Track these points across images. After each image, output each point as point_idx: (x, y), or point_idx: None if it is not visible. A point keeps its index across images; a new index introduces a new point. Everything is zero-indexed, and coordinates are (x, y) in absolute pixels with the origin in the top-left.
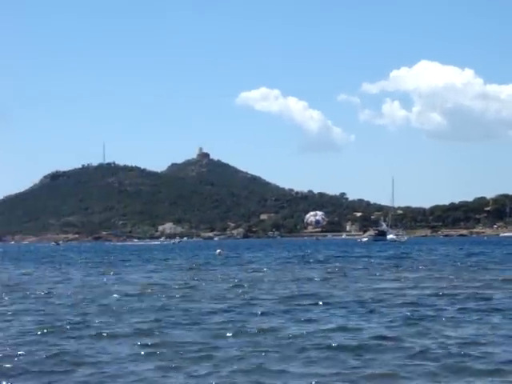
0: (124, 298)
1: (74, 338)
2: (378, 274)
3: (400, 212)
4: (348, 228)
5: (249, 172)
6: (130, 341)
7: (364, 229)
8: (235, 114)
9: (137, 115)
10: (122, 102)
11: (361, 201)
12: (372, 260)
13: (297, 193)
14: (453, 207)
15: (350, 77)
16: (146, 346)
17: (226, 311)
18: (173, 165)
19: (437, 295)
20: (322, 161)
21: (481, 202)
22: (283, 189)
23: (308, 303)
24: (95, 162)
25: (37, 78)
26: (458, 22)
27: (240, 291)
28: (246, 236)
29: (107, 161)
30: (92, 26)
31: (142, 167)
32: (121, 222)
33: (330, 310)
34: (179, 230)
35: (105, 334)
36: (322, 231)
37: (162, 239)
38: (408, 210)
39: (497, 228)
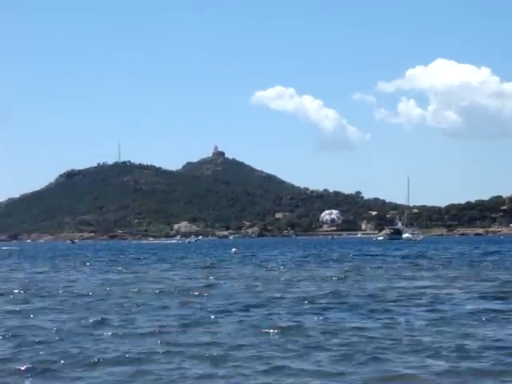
0: (139, 296)
1: (92, 335)
2: (394, 273)
3: (415, 211)
4: (363, 227)
5: (264, 171)
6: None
7: (379, 227)
8: (250, 113)
9: (152, 114)
10: (137, 101)
11: (376, 199)
12: (389, 259)
13: (312, 191)
14: (469, 206)
15: (366, 75)
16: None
17: (242, 310)
18: (188, 163)
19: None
20: (338, 159)
21: (497, 201)
22: (298, 187)
23: (326, 302)
24: (111, 161)
25: (53, 76)
26: (474, 21)
27: (256, 290)
28: (261, 235)
29: (123, 159)
30: (108, 24)
31: (158, 166)
32: (136, 221)
33: (349, 309)
34: (194, 228)
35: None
36: (337, 230)
37: (177, 238)
38: (423, 208)
39: None
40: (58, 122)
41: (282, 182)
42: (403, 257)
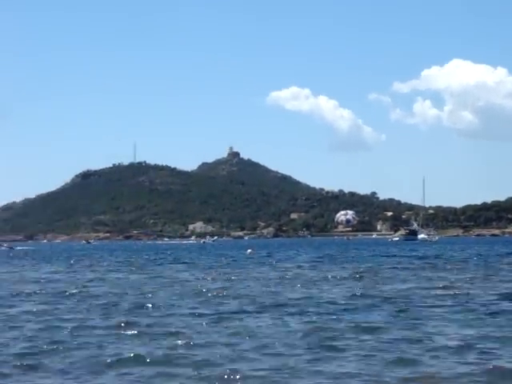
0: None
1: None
2: (410, 274)
3: (431, 211)
4: (379, 227)
5: (279, 171)
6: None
7: (395, 228)
8: (266, 114)
9: (167, 114)
10: (152, 101)
11: (392, 200)
12: (405, 259)
13: (327, 192)
14: (485, 207)
15: (381, 76)
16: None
17: (257, 312)
18: (203, 164)
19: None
20: (353, 160)
21: None
22: (314, 188)
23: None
24: (126, 162)
25: (69, 76)
26: (490, 21)
27: (273, 290)
28: (276, 235)
29: (138, 160)
30: (124, 21)
31: (173, 166)
32: (151, 221)
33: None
34: (209, 229)
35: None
36: (352, 231)
37: (192, 238)
38: (439, 209)
39: None
40: (75, 123)
41: (298, 183)
42: (420, 257)
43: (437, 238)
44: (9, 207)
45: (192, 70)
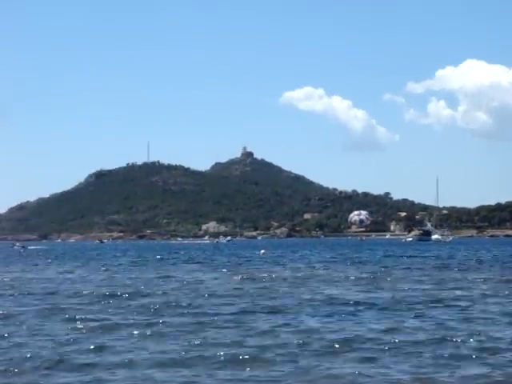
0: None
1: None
2: (423, 275)
3: (445, 212)
4: (392, 228)
5: (292, 171)
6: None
7: (408, 229)
8: (279, 114)
9: (181, 114)
10: (166, 101)
11: (405, 200)
12: (420, 260)
13: (341, 192)
14: (499, 207)
15: (395, 76)
16: None
17: (271, 313)
18: (217, 164)
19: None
20: (367, 160)
21: None
22: (327, 188)
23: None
24: (140, 161)
25: (81, 76)
26: (504, 21)
27: (290, 290)
28: (289, 235)
29: (152, 160)
30: (135, 20)
31: (186, 166)
32: (165, 221)
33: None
34: (223, 228)
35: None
36: (365, 231)
37: (205, 238)
38: (453, 210)
39: None
40: (89, 123)
41: (311, 183)
42: (435, 258)
43: (451, 238)
44: (23, 207)
45: (206, 70)
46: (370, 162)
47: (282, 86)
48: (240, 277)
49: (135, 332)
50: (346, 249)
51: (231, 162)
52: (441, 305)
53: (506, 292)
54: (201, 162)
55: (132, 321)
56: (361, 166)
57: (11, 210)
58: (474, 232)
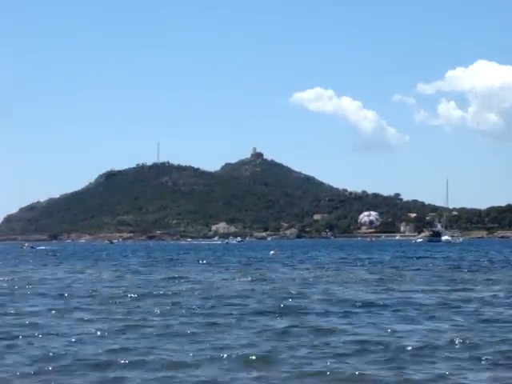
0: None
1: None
2: (434, 276)
3: (455, 213)
4: (402, 229)
5: (302, 172)
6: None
7: (418, 230)
8: (289, 114)
9: (191, 115)
10: (176, 102)
11: (415, 201)
12: (432, 261)
13: (350, 193)
14: (509, 208)
15: (406, 77)
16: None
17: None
18: (227, 164)
19: None
20: (377, 161)
21: None
22: (337, 189)
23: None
24: (150, 162)
25: (92, 76)
26: None
27: (300, 291)
28: (299, 236)
29: (161, 160)
30: (145, 21)
31: (196, 167)
32: (174, 222)
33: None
34: (233, 229)
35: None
36: (375, 232)
37: (215, 239)
38: (463, 211)
39: None
40: (99, 123)
41: (321, 184)
42: (446, 259)
43: (461, 239)
44: (33, 207)
45: (216, 70)
46: (379, 163)
47: (292, 87)
48: (250, 277)
49: (148, 332)
50: (356, 250)
51: (241, 163)
52: (453, 306)
53: None
54: (211, 163)
55: (143, 321)
56: (371, 166)
57: (22, 210)
58: (484, 233)
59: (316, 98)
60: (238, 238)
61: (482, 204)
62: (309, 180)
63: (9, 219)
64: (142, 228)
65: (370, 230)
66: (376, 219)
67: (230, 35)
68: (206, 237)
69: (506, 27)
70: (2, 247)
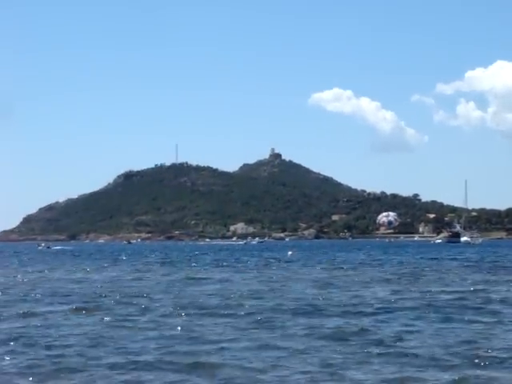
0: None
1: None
2: (456, 276)
3: (474, 214)
4: (421, 230)
5: (321, 173)
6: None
7: (437, 231)
8: (307, 115)
9: (209, 116)
10: (194, 102)
11: (434, 202)
12: (452, 262)
13: (369, 194)
14: None
15: (424, 77)
16: None
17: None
18: (245, 165)
19: None
20: (395, 162)
21: None
22: (355, 190)
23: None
24: (168, 162)
25: (115, 77)
26: None
27: (318, 292)
28: (317, 237)
29: (180, 161)
30: (158, 20)
31: (215, 167)
32: (193, 222)
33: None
34: (251, 230)
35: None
36: (394, 233)
37: (233, 239)
38: (482, 211)
39: None
40: (118, 124)
41: (339, 184)
42: (466, 260)
43: (480, 240)
44: (52, 207)
45: (235, 71)
46: (398, 164)
47: (311, 88)
48: (268, 277)
49: (165, 333)
50: (375, 250)
51: (259, 163)
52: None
53: None
54: (229, 163)
55: (159, 323)
56: (389, 167)
57: (41, 210)
58: (503, 234)
59: (334, 99)
60: (257, 239)
61: (501, 205)
62: (327, 180)
63: (28, 219)
64: (160, 228)
65: (389, 231)
66: (395, 220)
67: (250, 36)
68: (224, 237)
69: None
70: (20, 247)
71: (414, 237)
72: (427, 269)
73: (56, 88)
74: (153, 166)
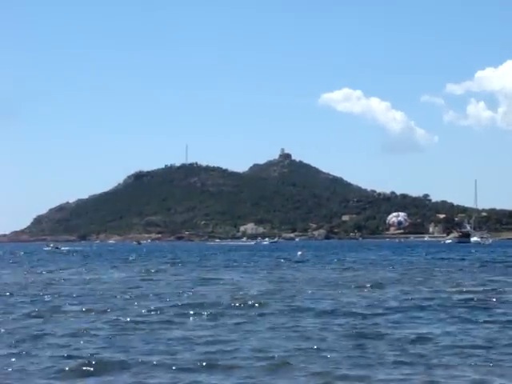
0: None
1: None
2: (468, 277)
3: (484, 214)
4: (431, 230)
5: (331, 173)
6: None
7: (447, 231)
8: (317, 115)
9: (219, 116)
10: (204, 103)
11: (444, 202)
12: (462, 262)
13: (379, 194)
14: None
15: (434, 77)
16: None
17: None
18: (255, 165)
19: None
20: (405, 162)
21: None
22: (365, 190)
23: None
24: (178, 163)
25: (125, 77)
26: None
27: (329, 292)
28: (327, 237)
29: (190, 161)
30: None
31: (224, 168)
32: (203, 222)
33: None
34: (261, 230)
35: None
36: (404, 233)
37: (243, 239)
38: (492, 212)
39: None
40: (128, 124)
41: (349, 185)
42: (477, 260)
43: (490, 240)
44: (62, 208)
45: (244, 71)
46: (408, 164)
47: (320, 88)
48: (278, 277)
49: (177, 334)
50: (385, 250)
51: (269, 164)
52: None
53: None
54: (239, 164)
55: (172, 323)
56: (399, 167)
57: (51, 211)
58: None
59: (344, 99)
60: (267, 239)
61: (511, 205)
62: (337, 181)
63: (38, 220)
64: (170, 229)
65: (399, 231)
66: (405, 220)
67: (259, 36)
68: (234, 237)
69: None
70: (31, 248)
71: (424, 237)
72: (437, 269)
73: (65, 87)
74: (163, 166)
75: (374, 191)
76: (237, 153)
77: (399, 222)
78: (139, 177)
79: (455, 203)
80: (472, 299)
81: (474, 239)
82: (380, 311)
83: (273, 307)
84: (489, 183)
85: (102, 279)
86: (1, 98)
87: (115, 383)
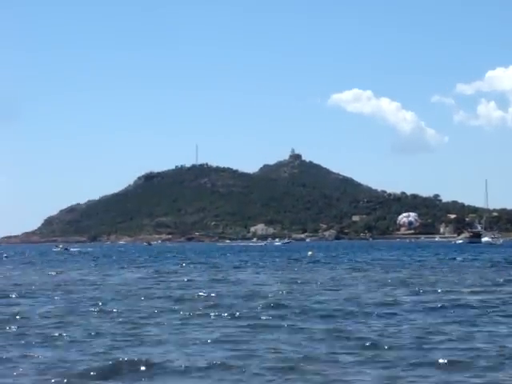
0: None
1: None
2: (480, 277)
3: (495, 214)
4: (441, 230)
5: (341, 173)
6: None
7: (458, 231)
8: (327, 116)
9: (229, 117)
10: (214, 104)
11: (455, 202)
12: (475, 263)
13: (389, 194)
14: None
15: (445, 77)
16: None
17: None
18: (265, 166)
19: None
20: (416, 162)
21: None
22: (376, 190)
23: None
24: (188, 164)
25: (135, 78)
26: None
27: (340, 292)
28: (337, 237)
29: (200, 162)
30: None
31: (235, 168)
32: (213, 223)
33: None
34: (271, 231)
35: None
36: (414, 233)
37: (254, 240)
38: (503, 212)
39: None
40: (138, 125)
41: (359, 185)
42: (489, 260)
43: (501, 240)
44: (73, 209)
45: (254, 72)
46: (419, 164)
47: (330, 88)
48: (288, 277)
49: (192, 336)
50: (396, 251)
51: (279, 165)
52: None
53: None
54: (249, 165)
55: (187, 325)
56: (410, 168)
57: (62, 212)
58: None
59: (354, 99)
60: (277, 240)
61: None
62: (347, 181)
63: (49, 221)
64: (180, 229)
65: (409, 232)
66: (415, 220)
67: (268, 36)
68: (244, 238)
69: None
70: (41, 248)
71: (434, 237)
72: (447, 269)
73: (66, 87)
74: (173, 167)
75: (384, 191)
76: (247, 153)
77: (410, 223)
78: (149, 178)
79: (466, 203)
80: (482, 300)
81: (484, 239)
82: (387, 311)
83: (286, 309)
84: (500, 183)
85: (112, 280)
86: (1, 98)
87: None
